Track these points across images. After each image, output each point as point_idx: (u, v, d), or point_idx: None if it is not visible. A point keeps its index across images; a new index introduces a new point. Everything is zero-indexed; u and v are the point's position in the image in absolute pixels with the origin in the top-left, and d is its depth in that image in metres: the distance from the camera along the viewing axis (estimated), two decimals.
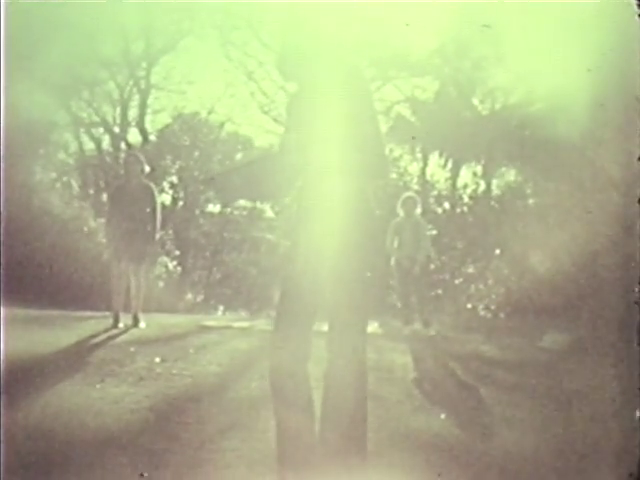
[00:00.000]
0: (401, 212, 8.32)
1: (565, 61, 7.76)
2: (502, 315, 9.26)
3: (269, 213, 13.24)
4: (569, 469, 3.71)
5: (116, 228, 7.31)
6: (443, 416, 4.53)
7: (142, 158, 7.60)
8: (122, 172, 7.98)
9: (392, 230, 8.27)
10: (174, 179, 13.50)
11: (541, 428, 4.33)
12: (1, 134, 4.60)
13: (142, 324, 7.25)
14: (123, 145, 13.07)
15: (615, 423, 4.17)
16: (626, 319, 4.86)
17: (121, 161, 12.30)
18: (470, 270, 11.52)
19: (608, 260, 6.75)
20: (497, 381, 5.77)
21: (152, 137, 13.56)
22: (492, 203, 12.32)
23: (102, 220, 9.81)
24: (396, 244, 8.26)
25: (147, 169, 7.57)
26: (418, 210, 8.41)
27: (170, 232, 12.55)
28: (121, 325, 7.10)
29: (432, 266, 10.35)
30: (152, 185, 7.54)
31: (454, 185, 12.96)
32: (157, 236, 7.51)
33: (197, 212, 13.33)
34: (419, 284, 8.38)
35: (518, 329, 8.30)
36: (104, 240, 8.35)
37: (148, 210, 7.32)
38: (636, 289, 4.65)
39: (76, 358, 5.53)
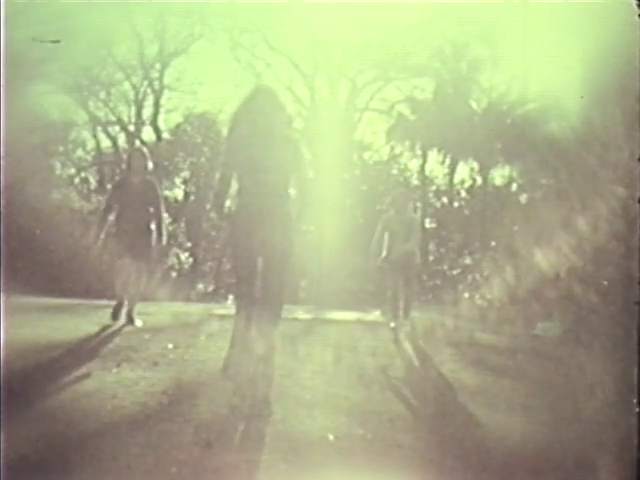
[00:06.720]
0: (392, 208, 8.07)
1: (563, 61, 7.69)
2: (497, 304, 9.25)
3: None
4: (562, 453, 3.70)
5: (116, 223, 6.64)
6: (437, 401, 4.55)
7: (147, 154, 6.73)
8: (125, 167, 7.14)
9: (383, 225, 8.00)
10: (186, 175, 13.51)
11: (534, 413, 4.33)
12: (1, 134, 4.58)
13: (138, 322, 6.50)
14: (138, 142, 13.07)
15: (610, 415, 4.15)
16: (626, 318, 4.81)
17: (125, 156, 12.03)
18: (467, 261, 11.53)
19: (607, 257, 6.63)
20: (492, 366, 5.77)
21: (165, 135, 13.59)
22: (488, 198, 12.31)
23: None
24: (387, 239, 8.00)
25: (150, 165, 6.72)
26: (411, 205, 8.18)
27: (182, 225, 12.56)
28: (138, 323, 6.51)
29: (431, 257, 10.34)
30: (155, 181, 6.76)
31: (452, 180, 12.97)
32: (164, 236, 6.73)
33: (208, 206, 13.31)
34: (410, 277, 8.19)
35: (513, 318, 8.28)
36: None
37: (152, 209, 6.59)
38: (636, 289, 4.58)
39: (93, 344, 5.55)
